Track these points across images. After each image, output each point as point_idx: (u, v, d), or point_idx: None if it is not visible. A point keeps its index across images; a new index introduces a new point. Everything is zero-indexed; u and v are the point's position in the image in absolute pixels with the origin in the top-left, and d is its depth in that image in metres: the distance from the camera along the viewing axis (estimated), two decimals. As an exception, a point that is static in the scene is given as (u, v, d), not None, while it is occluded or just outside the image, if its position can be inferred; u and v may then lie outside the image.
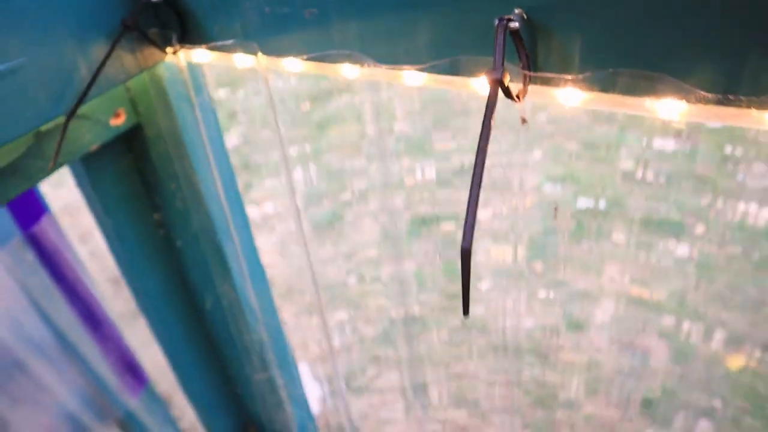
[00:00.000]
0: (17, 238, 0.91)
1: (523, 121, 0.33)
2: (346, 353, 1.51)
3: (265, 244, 1.56)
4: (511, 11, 0.30)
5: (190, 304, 0.74)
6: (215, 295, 0.71)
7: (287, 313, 1.51)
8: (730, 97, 0.26)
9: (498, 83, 0.28)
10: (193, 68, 0.47)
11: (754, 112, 0.27)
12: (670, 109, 0.30)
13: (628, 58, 0.29)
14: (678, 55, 0.28)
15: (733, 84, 0.27)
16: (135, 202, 0.66)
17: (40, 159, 0.52)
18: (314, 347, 1.57)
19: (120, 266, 0.71)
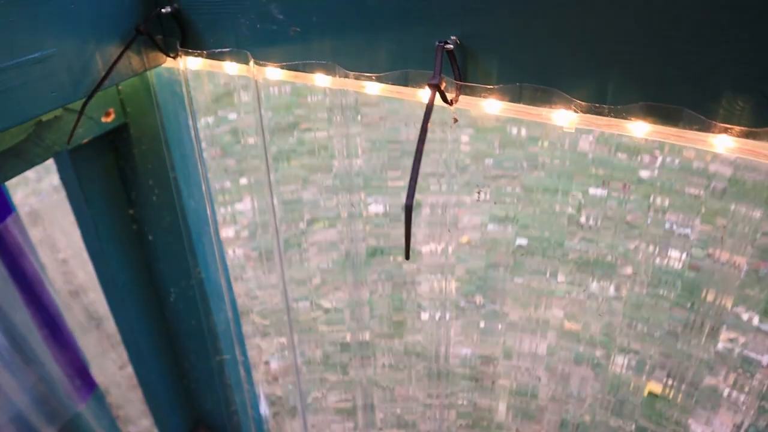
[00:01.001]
0: (-19, 235, 0.94)
1: (455, 120, 0.43)
2: (292, 375, 1.55)
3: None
4: (449, 37, 0.41)
5: (155, 297, 0.80)
6: (179, 289, 0.77)
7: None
8: (596, 106, 0.37)
9: (436, 88, 0.38)
10: (183, 74, 0.56)
11: (613, 120, 0.38)
12: (561, 117, 0.41)
13: (531, 75, 0.39)
14: (563, 73, 0.38)
15: (600, 96, 0.38)
16: (113, 197, 0.72)
17: (38, 146, 0.59)
18: (261, 368, 1.61)
19: (92, 257, 0.76)
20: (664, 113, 0.37)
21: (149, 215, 0.73)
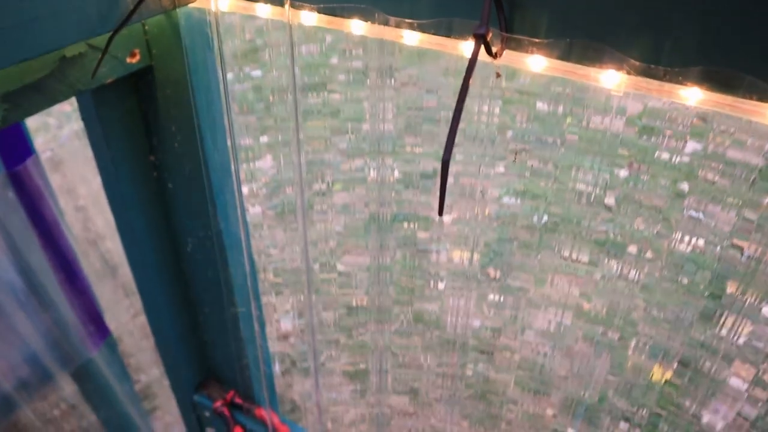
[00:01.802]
0: (1, 175, 0.94)
1: (498, 75, 0.41)
2: (303, 334, 1.56)
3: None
4: (497, -15, 0.38)
5: (172, 246, 0.79)
6: (197, 239, 0.77)
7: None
8: (652, 68, 0.35)
9: (482, 38, 0.36)
10: (211, 14, 0.54)
11: (665, 85, 0.35)
12: (610, 79, 0.39)
13: (582, 30, 0.37)
14: (617, 30, 0.36)
15: (656, 57, 0.35)
16: (134, 141, 0.71)
17: (61, 82, 0.57)
18: (271, 327, 1.62)
19: (110, 201, 0.76)
20: (722, 79, 0.35)
21: (170, 162, 0.72)
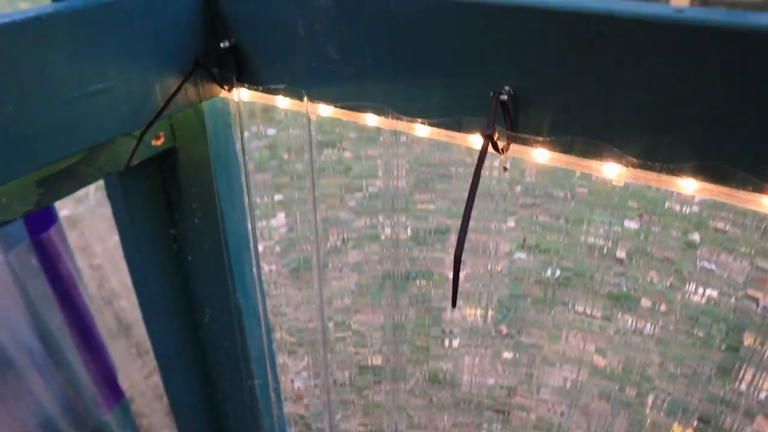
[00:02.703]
0: (25, 243, 0.98)
1: (505, 169, 0.44)
2: (318, 395, 1.55)
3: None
4: (503, 87, 0.41)
5: (189, 316, 0.81)
6: (215, 311, 0.79)
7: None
8: (649, 163, 0.37)
9: (489, 138, 0.39)
10: (236, 105, 0.58)
11: (663, 176, 0.38)
12: (611, 170, 0.41)
13: (583, 129, 0.40)
14: (616, 130, 0.39)
15: (652, 154, 0.38)
16: (157, 216, 0.74)
17: (90, 166, 0.61)
18: (284, 387, 1.61)
19: (132, 273, 0.78)
20: (716, 173, 0.37)
21: (191, 237, 0.75)
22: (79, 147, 0.46)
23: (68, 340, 1.06)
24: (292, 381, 1.67)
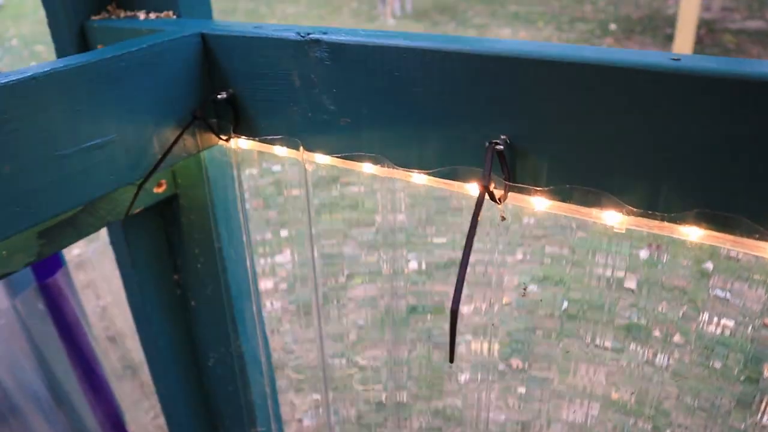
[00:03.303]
0: (32, 288, 0.98)
1: (503, 218, 0.43)
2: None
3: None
4: (499, 137, 0.41)
5: (193, 360, 0.80)
6: (218, 354, 0.78)
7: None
8: (649, 212, 0.37)
9: (485, 189, 0.38)
10: (233, 154, 0.58)
11: (666, 225, 0.37)
12: (612, 218, 0.41)
13: (581, 178, 0.39)
14: (615, 178, 0.38)
15: (653, 202, 0.37)
16: (159, 262, 0.74)
17: (92, 216, 0.61)
18: (294, 425, 1.59)
19: (135, 318, 0.78)
20: (720, 221, 0.36)
21: (193, 282, 0.74)
22: (79, 201, 0.46)
23: (74, 383, 1.05)
24: (300, 420, 1.65)
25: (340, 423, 1.53)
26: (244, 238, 0.66)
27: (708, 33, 4.91)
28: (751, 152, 0.34)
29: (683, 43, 4.08)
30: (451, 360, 0.37)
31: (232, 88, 0.52)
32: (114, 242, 0.73)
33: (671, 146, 0.36)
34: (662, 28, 5.30)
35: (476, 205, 0.38)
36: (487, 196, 0.40)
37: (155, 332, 0.77)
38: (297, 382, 1.59)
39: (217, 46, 0.51)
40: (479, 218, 0.39)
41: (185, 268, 0.74)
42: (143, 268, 0.73)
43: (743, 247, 0.38)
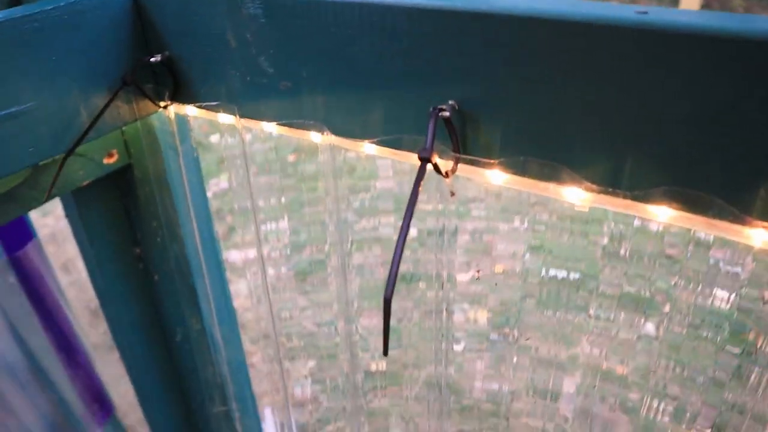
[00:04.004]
0: (1, 261, 0.95)
1: (452, 194, 0.39)
2: (311, 403, 1.52)
3: (244, 288, 1.60)
4: (447, 102, 0.36)
5: (161, 336, 0.78)
6: (185, 329, 0.75)
7: (256, 358, 1.53)
8: (610, 189, 0.32)
9: (426, 161, 0.34)
10: (180, 120, 0.53)
11: (627, 202, 0.33)
12: (572, 194, 0.36)
13: (537, 149, 0.35)
14: (575, 151, 0.33)
15: (615, 178, 0.33)
16: (118, 236, 0.70)
17: (35, 189, 0.57)
18: (278, 395, 1.58)
19: (98, 295, 0.75)
20: (690, 200, 0.32)
21: (154, 256, 0.71)
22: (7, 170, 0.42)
23: (53, 356, 1.03)
24: (294, 387, 1.64)
25: (333, 390, 1.52)
26: (193, 212, 0.62)
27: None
28: (723, 122, 0.29)
29: (689, 5, 3.93)
30: (385, 353, 0.33)
31: (168, 50, 0.48)
32: (69, 216, 0.69)
33: (636, 114, 0.31)
34: (670, -13, 5.11)
35: (416, 178, 0.34)
36: (431, 168, 0.36)
37: (119, 309, 0.74)
38: (290, 350, 1.58)
39: (149, 3, 0.46)
40: (420, 189, 0.35)
41: (145, 242, 0.71)
42: (101, 242, 0.70)
43: (717, 230, 0.34)
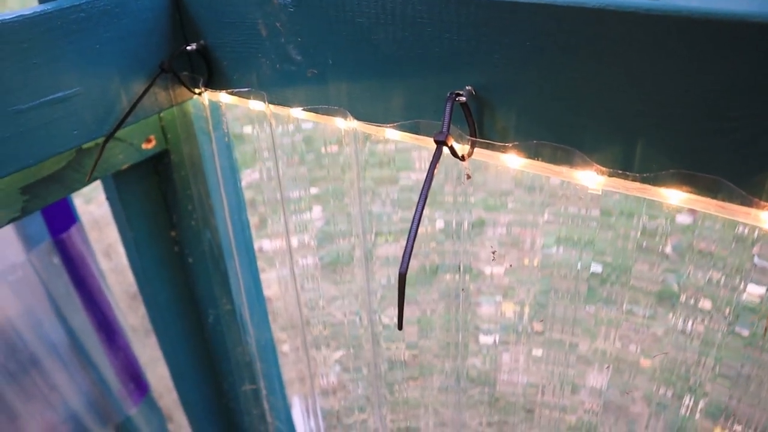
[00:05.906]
0: (47, 243, 1.00)
1: (468, 176, 0.40)
2: (339, 392, 1.55)
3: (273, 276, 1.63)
4: (464, 87, 0.38)
5: (195, 317, 0.81)
6: (217, 311, 0.78)
7: (286, 346, 1.57)
8: (619, 172, 0.33)
9: (441, 144, 0.36)
10: (215, 107, 0.56)
11: (639, 185, 0.33)
12: (586, 178, 0.37)
13: (551, 133, 0.36)
14: (587, 135, 0.34)
15: (626, 161, 0.33)
16: (155, 219, 0.74)
17: (78, 172, 0.60)
18: (306, 383, 1.61)
19: (135, 275, 0.78)
20: (700, 183, 0.33)
21: (189, 238, 0.74)
22: (41, 156, 0.46)
23: (93, 337, 1.08)
24: (325, 375, 1.67)
25: (362, 380, 1.55)
26: (225, 197, 0.65)
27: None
28: (732, 106, 0.30)
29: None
30: (400, 327, 0.34)
31: (204, 39, 0.50)
32: (110, 199, 0.73)
33: (647, 98, 0.32)
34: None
35: (432, 161, 0.35)
36: (448, 152, 0.37)
37: (155, 289, 0.78)
38: (322, 338, 1.60)
39: (186, -6, 0.49)
40: (436, 171, 0.37)
41: (180, 225, 0.74)
42: (139, 225, 0.73)
43: (728, 213, 0.35)
